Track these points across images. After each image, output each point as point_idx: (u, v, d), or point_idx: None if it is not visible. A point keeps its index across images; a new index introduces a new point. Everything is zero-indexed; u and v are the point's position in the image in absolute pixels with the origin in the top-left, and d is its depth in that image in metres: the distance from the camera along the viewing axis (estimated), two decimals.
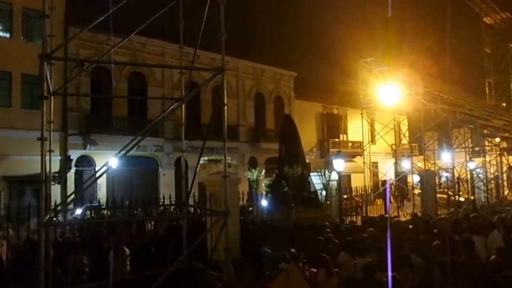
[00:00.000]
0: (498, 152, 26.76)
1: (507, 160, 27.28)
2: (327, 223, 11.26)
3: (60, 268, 8.01)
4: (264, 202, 15.61)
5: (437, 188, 24.30)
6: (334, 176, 19.06)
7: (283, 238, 9.13)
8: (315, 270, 6.74)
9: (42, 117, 5.38)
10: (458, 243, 7.38)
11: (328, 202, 17.61)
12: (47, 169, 5.96)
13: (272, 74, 31.21)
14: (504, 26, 38.73)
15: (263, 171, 19.41)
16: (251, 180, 16.73)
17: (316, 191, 16.97)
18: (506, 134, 26.94)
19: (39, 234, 5.30)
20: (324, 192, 18.44)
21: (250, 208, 15.29)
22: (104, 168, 6.90)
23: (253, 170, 19.71)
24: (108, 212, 13.55)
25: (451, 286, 4.90)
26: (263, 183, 17.58)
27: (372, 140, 31.40)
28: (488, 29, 38.96)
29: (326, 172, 19.06)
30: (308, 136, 33.01)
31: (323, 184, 18.58)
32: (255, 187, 17.26)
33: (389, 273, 4.88)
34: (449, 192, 25.14)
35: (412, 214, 15.13)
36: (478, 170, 25.91)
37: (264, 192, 17.41)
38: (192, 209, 11.13)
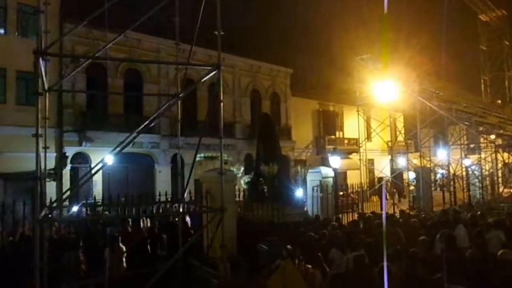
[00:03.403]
0: (493, 149, 26.88)
1: (502, 157, 27.41)
2: (301, 220, 11.51)
3: (56, 265, 7.98)
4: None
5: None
6: (330, 173, 19.14)
7: (258, 234, 9.23)
8: (310, 266, 6.76)
9: (37, 114, 5.36)
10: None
11: (304, 200, 17.82)
12: (42, 166, 5.94)
13: (268, 71, 31.10)
14: (499, 23, 38.85)
15: (242, 168, 19.40)
16: None
17: (292, 189, 17.10)
18: (501, 131, 27.05)
19: (34, 231, 5.28)
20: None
21: None
22: (100, 165, 6.86)
23: (232, 167, 19.69)
24: (104, 209, 13.54)
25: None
26: (242, 180, 17.60)
27: (368, 137, 31.45)
28: (484, 27, 39.06)
29: (304, 171, 19.25)
30: (304, 133, 33.05)
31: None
32: (234, 184, 17.36)
33: (385, 265, 4.88)
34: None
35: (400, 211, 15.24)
36: (473, 167, 26.05)
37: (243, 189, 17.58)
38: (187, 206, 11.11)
